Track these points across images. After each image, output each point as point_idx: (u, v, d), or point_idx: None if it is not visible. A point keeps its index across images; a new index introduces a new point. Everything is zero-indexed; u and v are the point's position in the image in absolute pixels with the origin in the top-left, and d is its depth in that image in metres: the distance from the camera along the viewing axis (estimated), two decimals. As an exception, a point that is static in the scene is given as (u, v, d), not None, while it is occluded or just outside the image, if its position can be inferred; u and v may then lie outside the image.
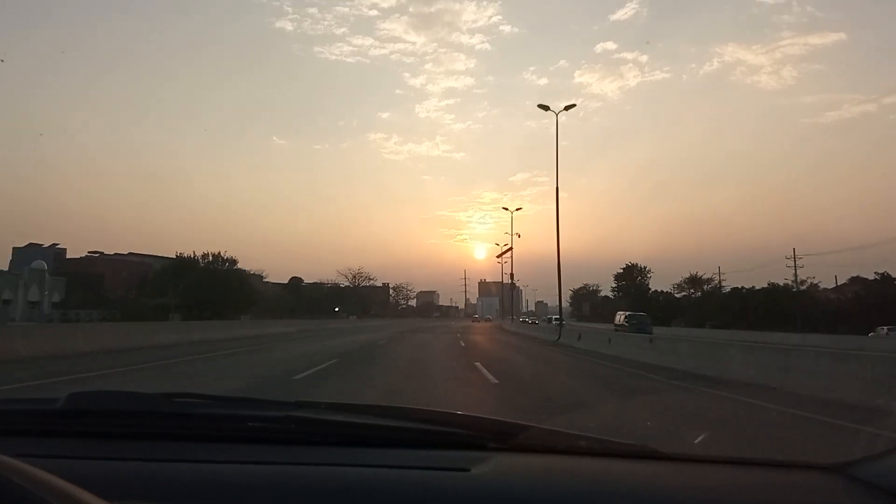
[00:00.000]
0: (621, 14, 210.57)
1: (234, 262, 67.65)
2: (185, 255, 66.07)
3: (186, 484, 1.04)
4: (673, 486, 1.07)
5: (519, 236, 63.06)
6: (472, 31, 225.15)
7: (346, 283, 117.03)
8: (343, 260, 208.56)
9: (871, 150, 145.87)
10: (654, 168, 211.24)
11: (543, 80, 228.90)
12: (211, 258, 66.47)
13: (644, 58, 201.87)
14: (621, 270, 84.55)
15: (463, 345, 25.31)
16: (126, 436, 1.27)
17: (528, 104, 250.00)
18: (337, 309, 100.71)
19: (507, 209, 63.75)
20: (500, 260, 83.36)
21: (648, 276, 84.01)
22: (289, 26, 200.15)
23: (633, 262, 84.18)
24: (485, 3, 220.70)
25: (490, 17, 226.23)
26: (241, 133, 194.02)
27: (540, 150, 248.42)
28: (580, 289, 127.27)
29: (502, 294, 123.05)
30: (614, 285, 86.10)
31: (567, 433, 1.29)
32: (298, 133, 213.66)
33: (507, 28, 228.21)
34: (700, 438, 5.79)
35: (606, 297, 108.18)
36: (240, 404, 1.44)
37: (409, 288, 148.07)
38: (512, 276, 60.68)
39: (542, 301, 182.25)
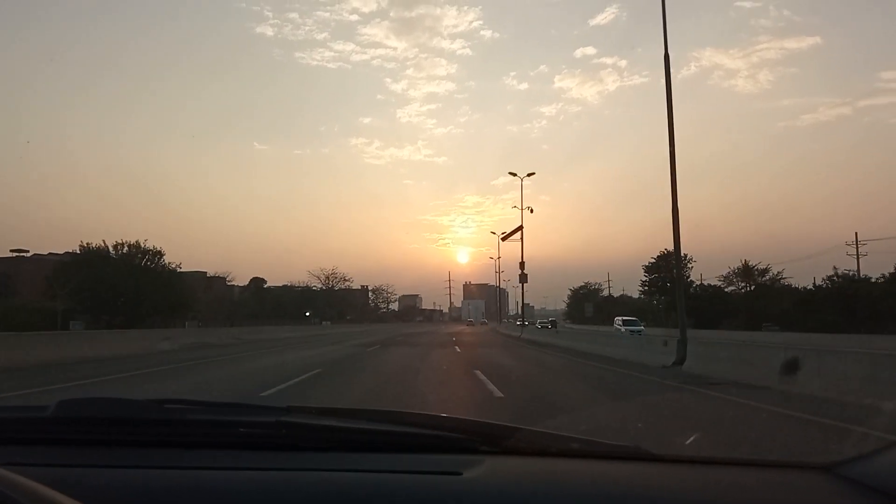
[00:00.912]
0: (601, 18, 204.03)
1: (159, 254, 51.69)
2: (94, 245, 49.77)
3: (177, 491, 1.02)
4: (665, 487, 1.06)
5: (532, 210, 47.20)
6: (452, 37, 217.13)
7: (319, 286, 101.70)
8: (324, 265, 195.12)
9: (849, 151, 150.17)
10: (634, 171, 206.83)
11: (524, 85, 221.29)
12: (126, 249, 50.25)
13: (623, 62, 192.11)
14: (653, 260, 63.31)
15: (500, 395, 10.02)
16: (117, 443, 1.23)
17: (508, 109, 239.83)
18: (308, 314, 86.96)
19: (514, 174, 46.59)
20: (495, 259, 69.35)
21: (690, 266, 61.86)
22: (269, 31, 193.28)
23: (668, 249, 66.19)
24: (465, 7, 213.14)
25: (471, 22, 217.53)
26: (221, 138, 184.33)
27: (521, 154, 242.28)
28: (580, 288, 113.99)
29: (497, 295, 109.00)
30: (644, 279, 67.32)
31: (559, 435, 1.25)
32: (279, 138, 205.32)
33: (487, 33, 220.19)
34: (692, 439, 5.59)
35: (609, 296, 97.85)
36: (231, 410, 1.40)
37: (390, 291, 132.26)
38: (522, 264, 45.08)
39: (528, 304, 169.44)
